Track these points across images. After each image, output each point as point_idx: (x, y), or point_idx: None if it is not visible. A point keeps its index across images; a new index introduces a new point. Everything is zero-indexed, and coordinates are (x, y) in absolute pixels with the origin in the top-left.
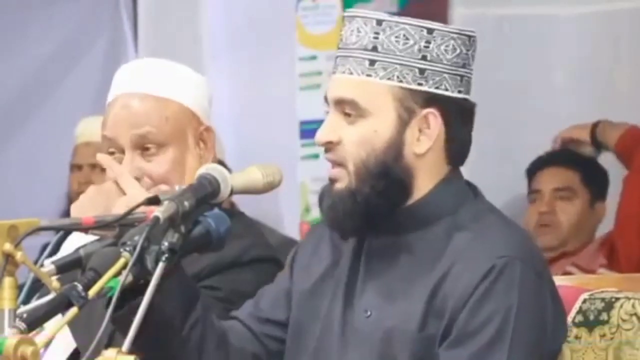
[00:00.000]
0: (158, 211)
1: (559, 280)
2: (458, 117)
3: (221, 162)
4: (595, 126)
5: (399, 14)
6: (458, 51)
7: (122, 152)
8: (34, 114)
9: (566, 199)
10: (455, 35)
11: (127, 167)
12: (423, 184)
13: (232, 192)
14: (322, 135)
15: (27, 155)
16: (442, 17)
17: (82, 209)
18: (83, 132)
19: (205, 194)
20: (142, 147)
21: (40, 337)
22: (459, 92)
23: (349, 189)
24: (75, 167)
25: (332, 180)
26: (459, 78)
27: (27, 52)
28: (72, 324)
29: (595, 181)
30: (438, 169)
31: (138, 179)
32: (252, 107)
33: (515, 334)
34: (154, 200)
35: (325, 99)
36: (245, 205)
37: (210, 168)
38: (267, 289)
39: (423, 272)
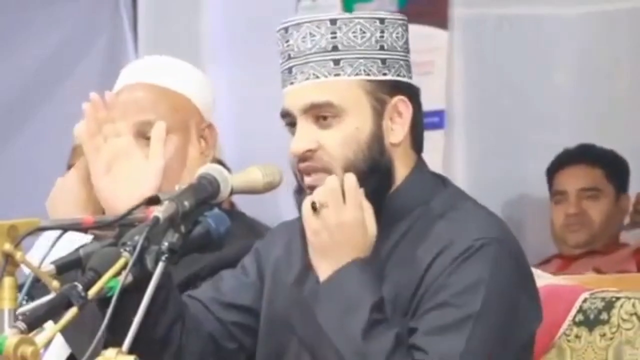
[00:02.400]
0: (158, 211)
1: (559, 280)
2: (417, 103)
3: (220, 162)
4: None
5: (399, 14)
6: (405, 38)
7: None
8: (34, 114)
9: (593, 198)
10: (400, 22)
11: None
12: (398, 175)
13: (232, 192)
14: (299, 145)
15: (27, 155)
16: (442, 17)
17: (53, 205)
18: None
19: (205, 194)
20: (145, 135)
21: (40, 337)
22: (410, 78)
23: None
24: None
25: (313, 188)
26: (409, 64)
27: (27, 52)
28: (65, 332)
29: (618, 175)
30: (409, 157)
31: None
32: (252, 107)
33: (483, 309)
34: (154, 200)
35: (284, 114)
36: (245, 205)
37: (210, 168)
38: (228, 274)
39: (401, 264)
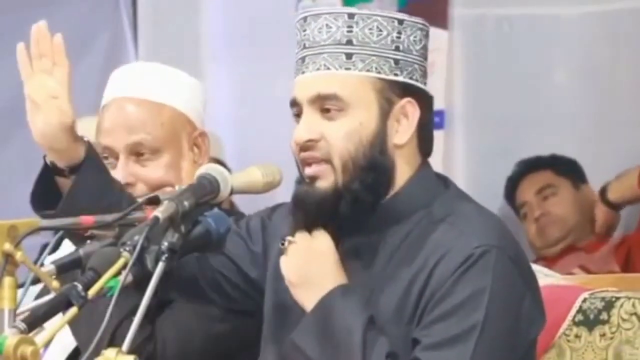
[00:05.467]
0: (158, 211)
1: (559, 280)
2: (428, 108)
3: (221, 162)
4: (603, 191)
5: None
6: (423, 43)
7: (117, 158)
8: None
9: (551, 195)
10: (420, 26)
11: (121, 173)
12: (400, 177)
13: (232, 192)
14: (302, 134)
15: (27, 155)
16: (442, 17)
17: None
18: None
19: (205, 193)
20: (137, 152)
21: (40, 337)
22: (424, 83)
23: (335, 187)
24: None
25: (313, 178)
26: (424, 69)
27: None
28: (73, 324)
29: (569, 170)
30: (413, 160)
31: (132, 185)
32: (252, 107)
33: (487, 319)
34: (154, 200)
35: (293, 102)
36: (245, 205)
37: (210, 168)
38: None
39: (401, 268)
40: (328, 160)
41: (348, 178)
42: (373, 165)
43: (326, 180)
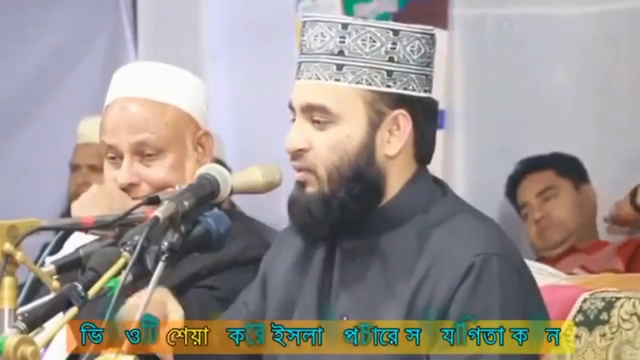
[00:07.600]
0: (158, 211)
1: (559, 280)
2: (425, 116)
3: (221, 162)
4: (634, 193)
5: (399, 14)
6: (423, 51)
7: (122, 157)
8: (34, 114)
9: (552, 197)
10: (419, 35)
11: (125, 173)
12: (394, 185)
13: (232, 192)
14: (292, 142)
15: (27, 155)
16: (442, 17)
17: (83, 208)
18: (84, 132)
19: (205, 193)
20: (141, 152)
21: (40, 337)
22: (425, 91)
23: (322, 193)
24: (74, 167)
25: (302, 184)
26: (424, 77)
27: (27, 52)
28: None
29: (570, 170)
30: (407, 169)
31: (136, 185)
32: (252, 107)
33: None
34: (154, 200)
35: (290, 106)
36: (245, 205)
37: (210, 168)
38: (249, 292)
39: (400, 274)
40: (313, 171)
41: (335, 187)
42: (360, 176)
43: (312, 187)
